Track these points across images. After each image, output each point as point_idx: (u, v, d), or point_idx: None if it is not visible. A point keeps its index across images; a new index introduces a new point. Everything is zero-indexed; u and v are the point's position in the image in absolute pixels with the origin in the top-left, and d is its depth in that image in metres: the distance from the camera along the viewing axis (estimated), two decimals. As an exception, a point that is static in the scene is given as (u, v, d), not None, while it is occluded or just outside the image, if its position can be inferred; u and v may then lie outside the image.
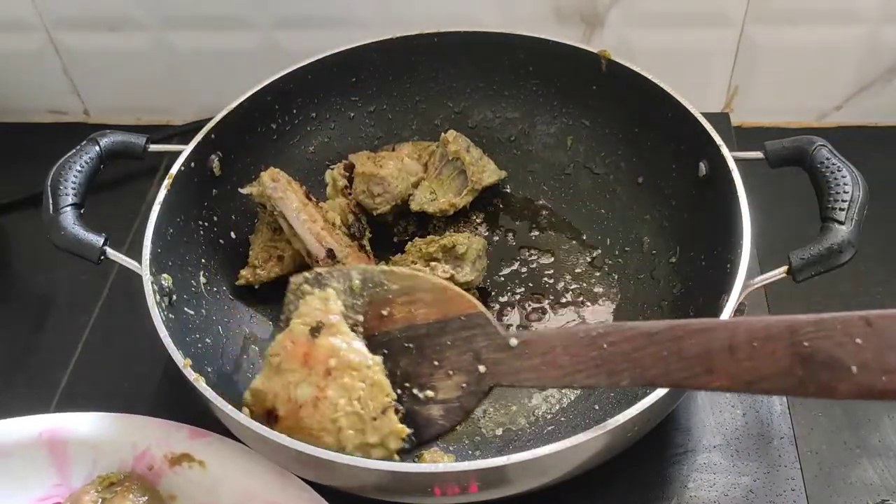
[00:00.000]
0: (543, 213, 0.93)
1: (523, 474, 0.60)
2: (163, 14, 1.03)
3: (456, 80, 0.95)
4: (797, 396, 0.48)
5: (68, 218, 0.73)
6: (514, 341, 0.56)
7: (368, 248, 0.87)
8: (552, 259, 0.89)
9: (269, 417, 0.61)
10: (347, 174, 0.90)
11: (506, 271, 0.88)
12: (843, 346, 0.43)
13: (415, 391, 0.59)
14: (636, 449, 0.66)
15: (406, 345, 0.59)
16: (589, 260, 0.88)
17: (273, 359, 0.63)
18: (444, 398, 0.58)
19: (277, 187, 0.82)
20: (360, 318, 0.62)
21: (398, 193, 0.89)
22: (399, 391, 0.59)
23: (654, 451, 0.73)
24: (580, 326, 0.53)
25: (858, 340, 0.43)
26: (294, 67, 0.88)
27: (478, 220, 0.93)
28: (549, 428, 0.74)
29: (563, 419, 0.75)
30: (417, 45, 0.91)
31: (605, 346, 0.52)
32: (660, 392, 0.59)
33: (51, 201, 0.74)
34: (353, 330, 0.62)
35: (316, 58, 0.89)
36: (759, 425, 0.75)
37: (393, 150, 0.94)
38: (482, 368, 0.56)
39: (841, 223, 0.66)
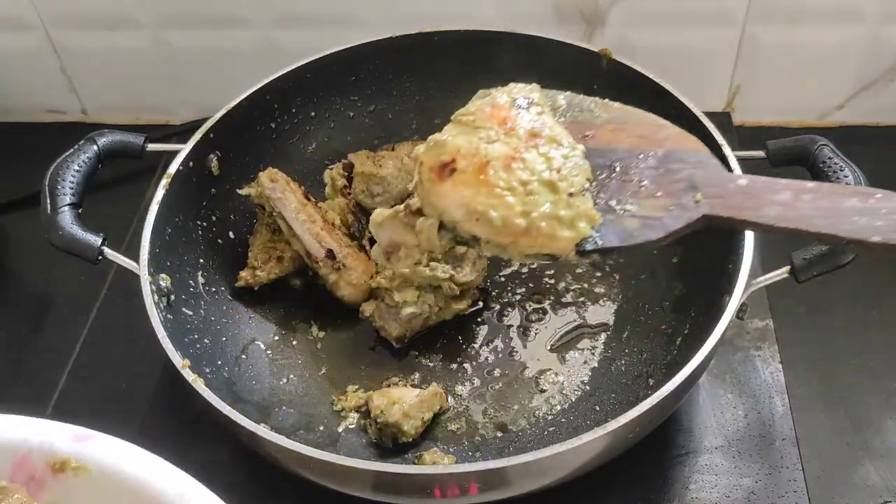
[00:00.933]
0: (544, 212, 0.93)
1: (524, 476, 0.59)
2: (161, 13, 1.03)
3: (456, 79, 0.94)
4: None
5: (66, 217, 0.73)
6: (743, 181, 0.51)
7: (368, 247, 0.86)
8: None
9: (443, 170, 0.53)
10: (346, 174, 0.90)
11: (506, 271, 0.87)
12: None
13: (611, 203, 0.51)
14: (637, 450, 0.65)
15: (609, 162, 0.53)
16: (589, 260, 0.88)
17: (464, 117, 0.56)
18: (644, 214, 0.51)
19: (276, 188, 0.81)
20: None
21: (398, 193, 0.89)
22: (599, 200, 0.53)
23: (656, 452, 0.73)
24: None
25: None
26: (293, 66, 0.88)
27: (478, 220, 0.93)
28: (550, 429, 0.74)
29: (563, 420, 0.75)
30: (417, 44, 0.91)
31: (856, 199, 0.48)
32: (662, 393, 0.59)
33: (49, 201, 0.73)
34: None
35: (315, 57, 0.89)
36: (761, 426, 0.75)
37: (392, 149, 0.93)
38: (698, 197, 0.50)
39: (843, 223, 0.66)
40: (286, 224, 0.81)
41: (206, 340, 0.76)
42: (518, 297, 0.85)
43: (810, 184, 0.50)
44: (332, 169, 0.90)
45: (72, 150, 0.77)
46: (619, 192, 0.52)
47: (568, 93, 0.57)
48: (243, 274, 0.83)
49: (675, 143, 0.54)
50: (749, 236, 0.68)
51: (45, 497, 0.58)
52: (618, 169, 0.53)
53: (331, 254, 0.80)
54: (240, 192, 0.84)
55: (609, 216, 0.51)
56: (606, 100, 0.58)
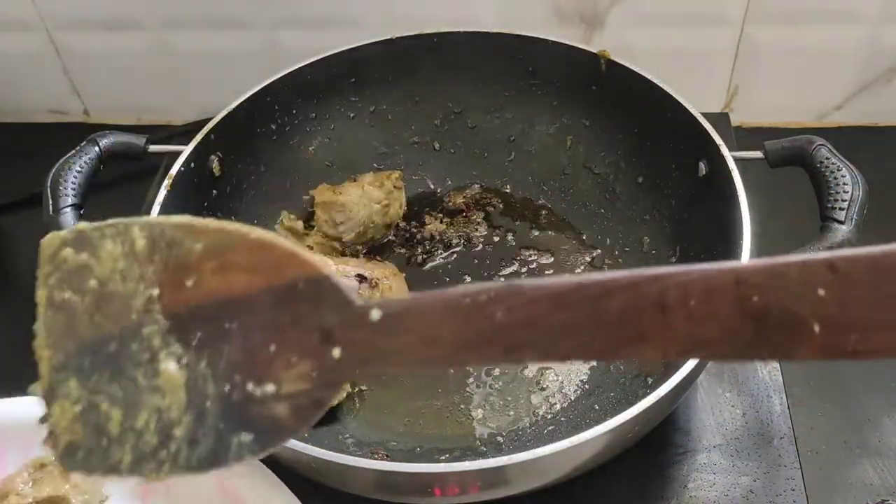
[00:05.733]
0: (543, 213, 0.93)
1: (523, 474, 0.60)
2: (163, 14, 1.03)
3: (456, 81, 0.95)
4: (747, 361, 0.39)
5: (68, 219, 0.73)
6: (375, 314, 0.38)
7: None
8: (552, 259, 0.89)
9: None
10: (308, 209, 0.88)
11: (506, 271, 0.88)
12: (803, 300, 0.34)
13: (249, 386, 0.39)
14: (636, 449, 0.66)
15: (226, 325, 0.40)
16: (589, 260, 0.88)
17: None
18: (289, 392, 0.39)
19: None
20: (155, 291, 0.41)
21: (361, 219, 0.87)
22: (228, 387, 0.40)
23: (654, 451, 0.74)
24: (466, 288, 0.37)
25: (821, 292, 0.34)
26: (294, 67, 0.88)
27: (478, 220, 0.93)
28: (550, 428, 0.74)
29: (563, 419, 0.75)
30: (417, 46, 0.91)
31: (498, 314, 0.36)
32: (661, 391, 0.59)
33: (51, 202, 0.74)
34: (147, 310, 0.41)
35: (316, 58, 0.89)
36: (759, 425, 0.75)
37: (354, 180, 0.91)
38: (337, 353, 0.38)
39: (841, 223, 0.66)
40: None
41: (207, 340, 0.76)
42: (518, 297, 0.85)
43: (450, 307, 0.37)
44: (282, 219, 0.89)
45: (74, 151, 0.78)
46: (252, 365, 0.39)
47: (144, 219, 0.41)
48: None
49: (290, 272, 0.39)
50: (747, 237, 0.68)
51: None
52: (238, 332, 0.39)
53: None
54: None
55: (255, 407, 0.39)
56: (193, 220, 0.41)
